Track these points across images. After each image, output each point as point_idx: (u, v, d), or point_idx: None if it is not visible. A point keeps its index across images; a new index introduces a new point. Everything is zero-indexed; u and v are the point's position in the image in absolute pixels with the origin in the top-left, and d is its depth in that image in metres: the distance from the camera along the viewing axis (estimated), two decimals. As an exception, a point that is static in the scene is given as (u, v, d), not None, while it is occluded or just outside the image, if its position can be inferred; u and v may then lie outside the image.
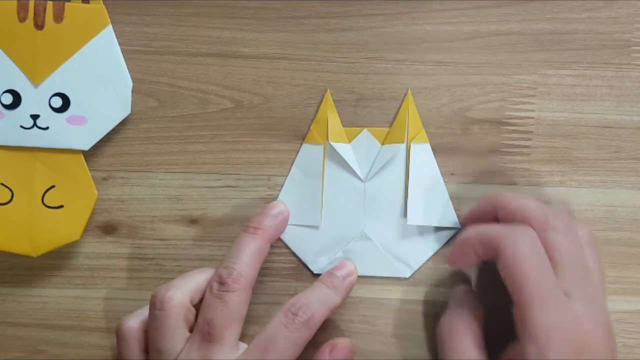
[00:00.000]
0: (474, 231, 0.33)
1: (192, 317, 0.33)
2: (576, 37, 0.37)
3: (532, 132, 0.37)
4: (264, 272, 0.37)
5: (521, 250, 0.30)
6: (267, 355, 0.31)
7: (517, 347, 0.30)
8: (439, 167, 0.37)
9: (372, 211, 0.37)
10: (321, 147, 0.37)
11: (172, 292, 0.33)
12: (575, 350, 0.29)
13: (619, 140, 0.37)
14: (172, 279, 0.37)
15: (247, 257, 0.33)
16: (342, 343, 0.34)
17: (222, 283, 0.32)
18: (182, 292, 0.33)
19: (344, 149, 0.37)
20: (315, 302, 0.33)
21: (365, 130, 0.37)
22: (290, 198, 0.37)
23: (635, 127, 0.37)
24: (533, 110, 0.37)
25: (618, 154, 0.37)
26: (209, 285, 0.33)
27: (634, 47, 0.37)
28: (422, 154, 0.37)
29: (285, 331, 0.32)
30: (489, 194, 0.34)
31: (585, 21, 0.37)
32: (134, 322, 0.34)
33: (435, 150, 0.37)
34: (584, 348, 0.29)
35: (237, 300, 0.32)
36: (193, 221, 0.37)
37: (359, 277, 0.36)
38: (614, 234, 0.37)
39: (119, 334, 0.34)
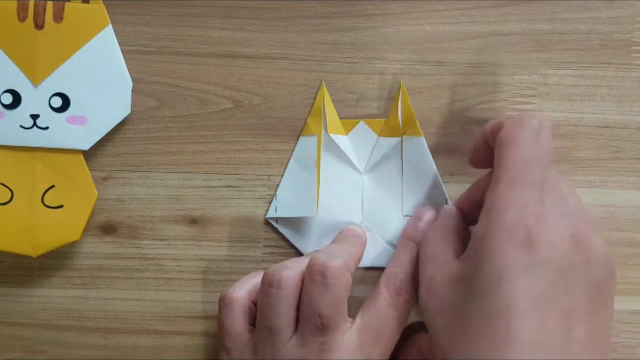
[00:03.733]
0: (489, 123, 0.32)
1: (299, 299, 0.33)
2: (576, 37, 0.37)
3: (532, 132, 0.37)
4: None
5: (525, 130, 0.29)
6: (380, 336, 0.32)
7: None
8: (439, 167, 0.37)
9: (370, 202, 0.37)
10: (316, 137, 0.37)
11: (289, 273, 0.32)
12: (529, 240, 0.27)
13: (619, 140, 0.37)
14: (172, 279, 0.37)
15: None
16: (429, 337, 0.34)
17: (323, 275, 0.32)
18: (296, 273, 0.33)
19: (342, 141, 0.37)
20: (411, 269, 0.33)
21: (362, 122, 0.37)
22: (288, 191, 0.37)
23: (636, 127, 0.37)
24: (533, 110, 0.37)
25: (618, 154, 0.37)
26: (308, 276, 0.32)
27: (634, 47, 0.37)
28: (416, 148, 0.37)
29: (393, 311, 0.33)
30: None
31: (585, 21, 0.37)
32: (241, 291, 0.34)
33: (436, 150, 0.37)
34: (539, 243, 0.27)
35: (340, 285, 0.32)
36: (193, 221, 0.37)
37: (360, 272, 0.36)
38: (614, 234, 0.37)
39: (224, 302, 0.34)
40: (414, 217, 0.35)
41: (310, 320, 0.31)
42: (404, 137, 0.37)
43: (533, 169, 0.29)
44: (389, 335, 0.32)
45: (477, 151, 0.33)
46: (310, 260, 0.32)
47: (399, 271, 0.33)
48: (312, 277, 0.32)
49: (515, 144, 0.29)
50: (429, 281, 0.31)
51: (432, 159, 0.37)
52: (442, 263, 0.31)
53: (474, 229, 0.29)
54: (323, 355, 0.31)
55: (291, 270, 0.32)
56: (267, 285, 0.32)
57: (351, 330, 0.32)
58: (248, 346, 0.33)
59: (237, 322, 0.34)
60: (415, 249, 0.34)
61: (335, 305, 0.31)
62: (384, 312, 0.32)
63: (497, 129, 0.31)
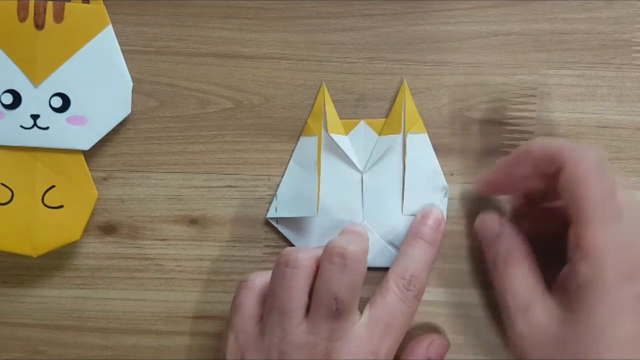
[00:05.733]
0: (538, 142, 0.32)
1: (311, 284, 0.33)
2: (576, 37, 0.37)
3: (532, 132, 0.37)
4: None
5: (588, 166, 0.30)
6: (390, 330, 0.32)
7: (567, 270, 0.30)
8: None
9: (370, 202, 0.37)
10: (316, 138, 0.37)
11: (305, 255, 0.32)
12: (630, 271, 0.29)
13: (619, 141, 0.37)
14: (172, 279, 0.37)
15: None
16: (440, 340, 0.35)
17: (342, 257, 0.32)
18: (312, 256, 0.33)
19: (342, 141, 0.37)
20: (421, 267, 0.34)
21: (362, 122, 0.37)
22: (288, 191, 0.37)
23: (636, 127, 0.37)
24: (533, 111, 0.37)
25: (618, 154, 0.37)
26: (327, 261, 0.32)
27: (634, 47, 0.37)
28: (419, 144, 0.37)
29: (403, 305, 0.33)
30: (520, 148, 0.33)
31: (585, 21, 0.37)
32: (263, 278, 0.34)
33: (436, 150, 0.37)
34: (637, 271, 0.29)
35: (359, 269, 0.32)
36: (193, 221, 0.37)
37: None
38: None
39: (245, 284, 0.34)
40: (422, 215, 0.35)
41: (324, 304, 0.31)
42: (408, 133, 0.37)
43: (611, 204, 0.30)
44: (398, 330, 0.32)
45: (505, 175, 0.33)
46: (329, 243, 0.32)
47: (407, 268, 0.34)
48: (331, 259, 0.32)
49: (588, 184, 0.30)
50: (525, 312, 0.31)
51: (435, 155, 0.37)
52: (536, 295, 0.31)
53: (572, 276, 0.30)
54: (332, 343, 0.31)
55: (307, 253, 0.33)
56: (283, 264, 0.32)
57: (360, 322, 0.32)
58: (256, 330, 0.33)
59: (253, 304, 0.34)
60: (423, 246, 0.34)
61: (352, 289, 0.31)
62: (393, 306, 0.33)
63: (553, 165, 0.31)
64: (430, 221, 0.35)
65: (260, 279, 0.34)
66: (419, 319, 0.37)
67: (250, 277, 0.34)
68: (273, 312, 0.32)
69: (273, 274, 0.33)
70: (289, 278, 0.32)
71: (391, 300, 0.33)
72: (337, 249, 0.32)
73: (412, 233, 0.35)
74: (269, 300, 0.33)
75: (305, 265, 0.32)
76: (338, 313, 0.31)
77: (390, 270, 0.34)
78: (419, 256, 0.34)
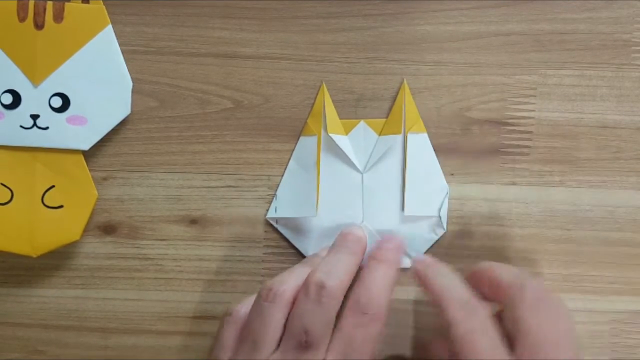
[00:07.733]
0: (491, 271, 0.33)
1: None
2: (576, 37, 0.37)
3: (532, 132, 0.37)
4: (264, 272, 0.37)
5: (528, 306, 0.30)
6: (352, 355, 0.31)
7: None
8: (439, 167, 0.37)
9: (370, 202, 0.37)
10: (316, 138, 0.37)
11: (285, 288, 0.32)
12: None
13: (619, 141, 0.37)
14: (172, 279, 0.37)
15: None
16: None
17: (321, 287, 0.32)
18: (294, 287, 0.32)
19: (342, 141, 0.37)
20: (377, 290, 0.32)
21: (362, 122, 0.37)
22: (288, 191, 0.37)
23: (636, 127, 0.37)
24: (533, 111, 0.37)
25: (618, 154, 0.37)
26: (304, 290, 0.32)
27: (634, 48, 0.37)
28: (420, 144, 0.37)
29: (360, 330, 0.31)
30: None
31: (585, 21, 0.37)
32: (246, 309, 0.33)
33: (436, 150, 0.37)
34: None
35: (333, 306, 0.32)
36: (193, 221, 0.37)
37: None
38: (614, 234, 0.37)
39: (227, 318, 0.34)
40: (383, 239, 0.35)
41: (295, 335, 0.31)
42: (409, 133, 0.37)
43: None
44: (361, 354, 0.31)
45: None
46: (309, 276, 0.32)
47: (362, 288, 0.32)
48: (308, 292, 0.32)
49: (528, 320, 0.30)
50: None
51: (435, 155, 0.37)
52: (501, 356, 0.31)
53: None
54: None
55: (288, 285, 0.32)
56: (263, 298, 0.32)
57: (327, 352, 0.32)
58: None
59: (232, 337, 0.33)
60: (381, 270, 0.33)
61: (324, 324, 0.31)
62: (348, 333, 0.31)
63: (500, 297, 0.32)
64: (389, 244, 0.34)
65: (245, 310, 0.34)
66: (420, 318, 0.37)
67: (235, 308, 0.34)
68: (246, 342, 0.32)
69: (253, 304, 0.33)
70: (267, 311, 0.32)
71: (346, 328, 0.31)
72: (314, 284, 0.31)
73: (371, 257, 0.34)
74: (245, 329, 0.33)
75: (284, 297, 0.32)
76: (307, 345, 0.31)
77: (349, 296, 0.33)
78: (377, 280, 0.33)
